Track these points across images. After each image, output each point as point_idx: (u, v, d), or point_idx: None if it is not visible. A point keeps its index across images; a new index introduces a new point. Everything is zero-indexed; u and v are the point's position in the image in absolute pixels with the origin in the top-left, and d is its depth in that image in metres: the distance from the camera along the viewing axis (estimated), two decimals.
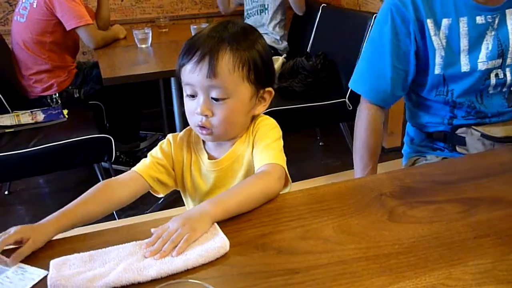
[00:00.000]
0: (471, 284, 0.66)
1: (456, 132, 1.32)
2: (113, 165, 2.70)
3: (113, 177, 0.96)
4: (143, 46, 2.58)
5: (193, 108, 0.92)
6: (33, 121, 2.27)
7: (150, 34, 2.59)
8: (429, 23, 1.24)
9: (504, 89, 1.29)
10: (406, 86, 1.33)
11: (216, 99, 0.90)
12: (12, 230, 0.77)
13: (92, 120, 2.39)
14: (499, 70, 1.26)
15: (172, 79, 2.33)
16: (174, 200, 2.37)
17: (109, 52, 2.59)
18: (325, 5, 2.95)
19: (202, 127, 0.92)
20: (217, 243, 0.75)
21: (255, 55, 0.92)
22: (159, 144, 1.02)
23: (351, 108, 2.56)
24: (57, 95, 2.54)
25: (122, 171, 2.75)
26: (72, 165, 2.26)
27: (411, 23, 1.24)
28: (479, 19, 1.22)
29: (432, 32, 1.24)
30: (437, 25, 1.24)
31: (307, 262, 0.72)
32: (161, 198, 2.40)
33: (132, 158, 2.76)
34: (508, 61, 1.25)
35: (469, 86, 1.26)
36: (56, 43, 2.49)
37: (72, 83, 2.60)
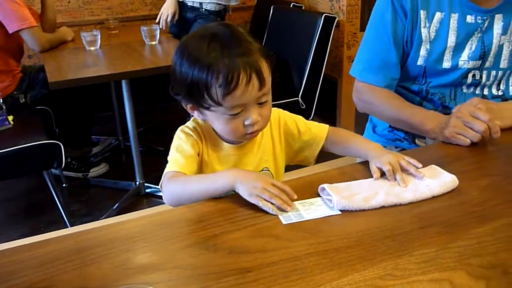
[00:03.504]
0: (416, 273, 0.68)
1: None
2: (64, 172, 2.63)
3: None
4: (92, 48, 2.52)
5: (241, 122, 0.93)
6: None
7: (99, 36, 2.54)
8: (422, 14, 1.26)
9: (478, 91, 1.32)
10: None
11: (262, 103, 0.94)
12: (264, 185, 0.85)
13: (39, 126, 2.31)
14: (477, 71, 1.29)
15: (123, 82, 2.28)
16: (129, 205, 2.33)
17: (57, 55, 2.51)
18: (275, 5, 2.97)
19: (253, 132, 0.95)
20: (448, 177, 0.93)
21: (265, 49, 0.96)
22: (180, 139, 1.00)
23: (304, 106, 2.60)
24: (1, 101, 2.42)
25: (73, 178, 2.68)
26: (20, 173, 2.18)
27: (408, 13, 1.26)
28: (470, 18, 1.25)
29: (422, 24, 1.26)
30: (429, 18, 1.26)
31: (259, 261, 0.72)
32: (115, 203, 2.35)
33: (84, 164, 2.68)
34: (487, 64, 1.28)
35: (447, 82, 1.29)
36: None
37: (17, 88, 2.50)
